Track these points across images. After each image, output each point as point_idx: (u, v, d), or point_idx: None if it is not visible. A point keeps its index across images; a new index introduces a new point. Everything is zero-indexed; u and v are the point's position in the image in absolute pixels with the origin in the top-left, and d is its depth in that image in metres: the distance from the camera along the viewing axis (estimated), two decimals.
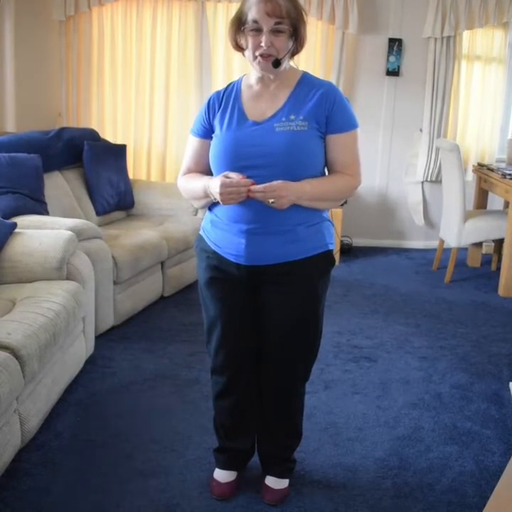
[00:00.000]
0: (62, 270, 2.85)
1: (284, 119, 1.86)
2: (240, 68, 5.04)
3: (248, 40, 1.80)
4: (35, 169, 3.53)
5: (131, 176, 4.77)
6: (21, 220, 3.13)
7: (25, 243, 2.88)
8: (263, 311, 2.01)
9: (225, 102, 1.95)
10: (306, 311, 2.00)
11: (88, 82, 5.09)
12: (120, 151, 4.50)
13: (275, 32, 1.78)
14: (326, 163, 1.95)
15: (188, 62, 5.13)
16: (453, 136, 5.30)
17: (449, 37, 5.06)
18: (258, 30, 1.77)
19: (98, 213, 4.18)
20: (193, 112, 5.19)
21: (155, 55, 5.09)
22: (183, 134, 5.23)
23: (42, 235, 2.94)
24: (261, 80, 1.90)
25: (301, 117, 1.85)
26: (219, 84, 5.16)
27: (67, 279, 2.86)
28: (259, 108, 1.90)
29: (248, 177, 1.82)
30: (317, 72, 5.07)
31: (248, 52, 1.83)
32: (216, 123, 1.94)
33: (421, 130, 5.32)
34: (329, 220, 2.02)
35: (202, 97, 5.15)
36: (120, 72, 5.13)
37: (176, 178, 2.12)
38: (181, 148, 5.23)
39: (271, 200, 1.79)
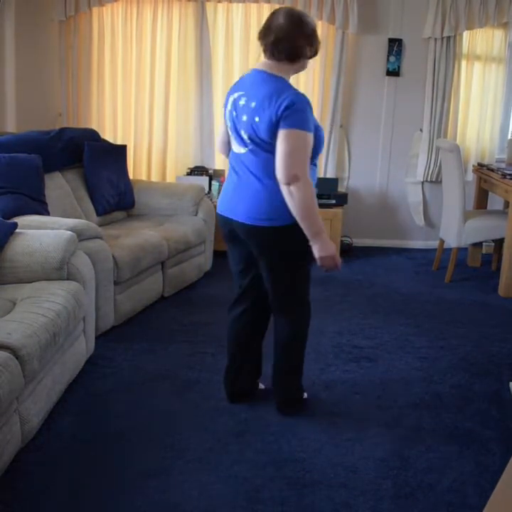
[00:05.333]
0: (63, 270, 2.85)
1: None
2: (240, 68, 5.05)
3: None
4: (35, 169, 3.53)
5: (131, 176, 4.77)
6: (22, 220, 3.13)
7: (25, 243, 2.88)
8: None
9: None
10: None
11: (88, 82, 5.09)
12: (120, 151, 4.50)
13: None
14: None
15: (188, 63, 5.13)
16: (453, 136, 5.30)
17: (449, 37, 5.06)
18: None
19: (98, 213, 4.18)
20: (194, 111, 5.19)
21: (155, 56, 5.10)
22: (183, 134, 5.23)
23: (42, 235, 2.94)
24: None
25: None
26: (219, 84, 5.16)
27: (68, 279, 2.87)
28: None
29: None
30: (317, 72, 5.09)
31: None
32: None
33: (421, 130, 5.32)
34: None
35: (202, 97, 5.15)
36: (120, 73, 5.13)
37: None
38: (181, 148, 5.24)
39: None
